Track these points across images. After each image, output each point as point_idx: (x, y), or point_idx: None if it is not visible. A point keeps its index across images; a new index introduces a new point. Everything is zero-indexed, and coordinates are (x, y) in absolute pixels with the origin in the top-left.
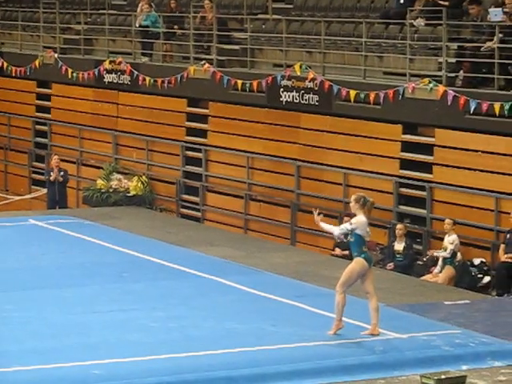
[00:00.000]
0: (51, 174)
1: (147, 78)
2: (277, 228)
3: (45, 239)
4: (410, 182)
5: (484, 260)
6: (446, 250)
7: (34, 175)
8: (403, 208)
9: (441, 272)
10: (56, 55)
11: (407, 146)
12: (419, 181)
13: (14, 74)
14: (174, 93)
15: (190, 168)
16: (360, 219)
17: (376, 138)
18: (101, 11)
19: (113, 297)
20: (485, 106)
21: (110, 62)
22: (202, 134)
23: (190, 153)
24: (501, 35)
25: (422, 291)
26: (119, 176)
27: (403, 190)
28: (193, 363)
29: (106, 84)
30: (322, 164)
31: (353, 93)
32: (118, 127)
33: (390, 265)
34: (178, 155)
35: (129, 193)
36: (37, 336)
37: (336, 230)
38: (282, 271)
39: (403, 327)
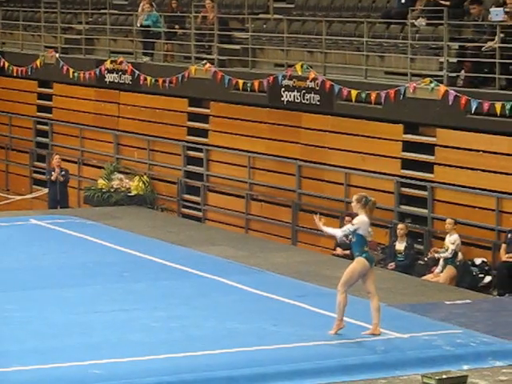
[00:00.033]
0: (52, 173)
1: (148, 78)
2: (278, 228)
3: (46, 239)
4: (411, 181)
5: (485, 260)
6: (447, 250)
7: (35, 175)
8: (404, 208)
9: (442, 272)
10: (57, 55)
11: (408, 146)
12: (420, 180)
13: (15, 74)
14: (176, 92)
15: (191, 168)
16: (362, 219)
17: (377, 138)
18: (102, 11)
19: (114, 297)
20: (486, 106)
21: (112, 62)
22: (204, 133)
23: (191, 152)
24: (502, 35)
25: (423, 291)
26: (120, 176)
27: (404, 189)
28: (194, 363)
29: (108, 84)
30: (323, 164)
31: (354, 92)
32: (119, 127)
33: (391, 264)
34: (179, 155)
35: (130, 192)
36: (38, 336)
37: (339, 233)
38: (284, 271)
39: (404, 327)
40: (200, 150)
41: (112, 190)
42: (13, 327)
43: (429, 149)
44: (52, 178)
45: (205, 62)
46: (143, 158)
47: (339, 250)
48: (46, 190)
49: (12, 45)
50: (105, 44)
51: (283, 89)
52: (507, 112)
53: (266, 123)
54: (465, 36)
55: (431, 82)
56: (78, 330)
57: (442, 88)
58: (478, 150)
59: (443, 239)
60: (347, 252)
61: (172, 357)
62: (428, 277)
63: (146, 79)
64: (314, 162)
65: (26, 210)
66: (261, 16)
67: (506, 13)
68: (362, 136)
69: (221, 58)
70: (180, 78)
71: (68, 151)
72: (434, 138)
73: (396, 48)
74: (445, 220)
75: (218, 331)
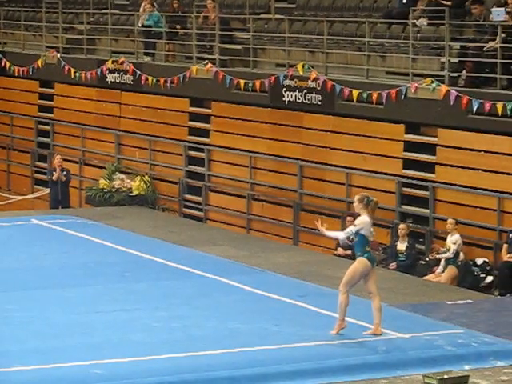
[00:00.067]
0: (54, 173)
1: (150, 78)
2: (280, 228)
3: (47, 239)
4: (412, 181)
5: (487, 260)
6: (448, 250)
7: (36, 175)
8: (406, 208)
9: (443, 272)
10: (59, 55)
11: (410, 146)
12: (422, 180)
13: (16, 74)
14: (177, 92)
15: (192, 168)
16: (364, 219)
17: (379, 138)
18: (103, 11)
19: (115, 297)
20: (487, 106)
21: (113, 62)
22: (205, 133)
23: (192, 152)
24: (503, 35)
25: (425, 291)
26: (122, 176)
27: (406, 189)
28: (195, 363)
29: (109, 84)
30: (324, 164)
31: (355, 92)
32: (121, 127)
33: (393, 264)
34: (180, 155)
35: (131, 192)
36: (39, 336)
37: (341, 236)
38: (285, 271)
39: (406, 327)
40: (201, 150)
41: (113, 190)
42: (14, 327)
43: (430, 149)
44: (53, 177)
45: (206, 61)
46: (144, 158)
47: (340, 250)
48: (47, 190)
49: (13, 45)
50: (106, 44)
51: (285, 89)
52: (508, 112)
53: (267, 123)
54: (466, 36)
55: (433, 82)
56: (79, 330)
57: (444, 88)
58: (480, 150)
59: (445, 239)
60: (349, 252)
61: (173, 357)
62: (429, 277)
63: (147, 79)
64: (316, 162)
65: (28, 209)
66: (262, 16)
67: (508, 13)
68: (364, 136)
69: (222, 57)
70: (181, 78)
71: (69, 151)
72: (436, 138)
73: (397, 48)
74: (446, 220)
75: (220, 331)
